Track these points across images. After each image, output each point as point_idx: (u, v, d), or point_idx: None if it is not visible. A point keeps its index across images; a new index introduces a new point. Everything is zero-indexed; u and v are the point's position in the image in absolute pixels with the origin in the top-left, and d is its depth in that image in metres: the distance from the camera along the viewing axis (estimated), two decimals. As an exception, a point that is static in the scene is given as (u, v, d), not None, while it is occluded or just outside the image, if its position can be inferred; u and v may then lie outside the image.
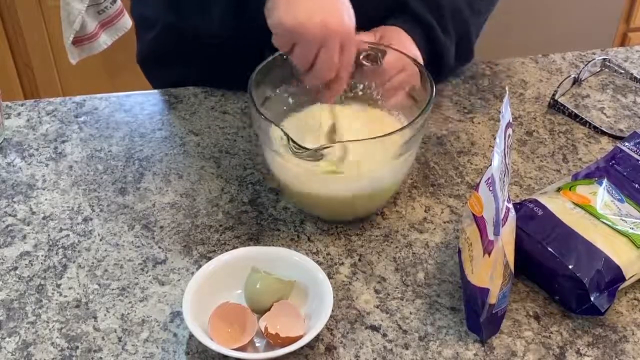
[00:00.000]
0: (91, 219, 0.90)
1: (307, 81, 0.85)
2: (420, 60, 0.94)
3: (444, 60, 1.01)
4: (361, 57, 0.91)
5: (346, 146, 0.80)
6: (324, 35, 0.78)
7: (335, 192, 0.85)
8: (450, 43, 1.00)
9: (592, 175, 0.88)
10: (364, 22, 0.97)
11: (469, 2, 1.03)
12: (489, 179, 0.73)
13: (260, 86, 0.87)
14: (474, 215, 0.75)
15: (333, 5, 0.80)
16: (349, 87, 0.92)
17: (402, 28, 0.97)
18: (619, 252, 0.78)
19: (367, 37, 0.94)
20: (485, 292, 0.72)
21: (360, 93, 0.94)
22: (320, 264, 0.82)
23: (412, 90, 0.90)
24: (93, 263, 0.84)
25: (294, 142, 0.77)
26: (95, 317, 0.79)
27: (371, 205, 0.89)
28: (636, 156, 0.89)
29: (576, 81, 1.12)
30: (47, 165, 0.97)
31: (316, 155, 0.78)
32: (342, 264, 0.84)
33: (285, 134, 0.78)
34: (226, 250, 0.84)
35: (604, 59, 1.16)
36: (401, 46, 0.93)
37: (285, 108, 0.92)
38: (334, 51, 0.79)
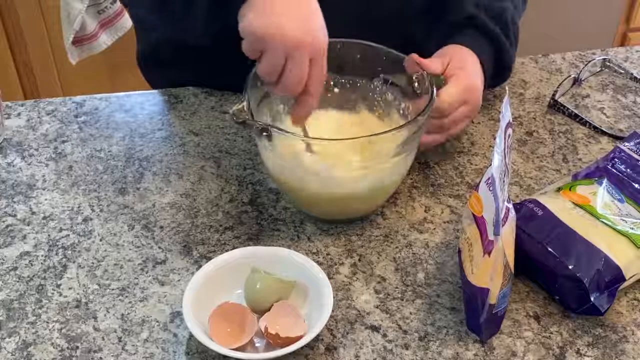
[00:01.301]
0: (91, 219, 0.90)
1: (275, 92, 0.84)
2: (478, 80, 0.94)
3: (507, 69, 1.02)
4: (414, 77, 0.89)
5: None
6: (293, 46, 0.77)
7: (331, 192, 0.84)
8: (513, 51, 1.01)
9: (592, 175, 0.88)
10: (432, 39, 0.97)
11: (515, 6, 1.03)
12: (489, 179, 0.73)
13: (258, 84, 0.87)
14: (474, 215, 0.75)
15: (305, 18, 0.79)
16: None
17: (474, 48, 0.95)
18: (619, 252, 0.78)
19: (437, 63, 0.91)
20: (485, 292, 0.72)
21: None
22: (320, 264, 0.82)
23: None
24: (93, 263, 0.84)
25: (250, 113, 0.79)
26: (95, 317, 0.79)
27: (367, 206, 0.89)
28: (636, 156, 0.89)
29: (576, 81, 1.12)
30: (47, 165, 0.97)
31: (262, 134, 0.79)
32: (342, 264, 0.84)
33: (247, 100, 0.79)
34: (226, 250, 0.84)
35: (604, 59, 1.16)
36: (468, 76, 0.91)
37: (285, 109, 0.92)
38: (302, 64, 0.78)
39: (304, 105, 0.82)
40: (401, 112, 0.92)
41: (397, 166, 0.85)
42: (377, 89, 0.93)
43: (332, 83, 0.92)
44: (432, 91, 0.85)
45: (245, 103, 0.80)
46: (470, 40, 0.96)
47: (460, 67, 0.92)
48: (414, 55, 0.89)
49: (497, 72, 1.00)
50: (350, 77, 0.93)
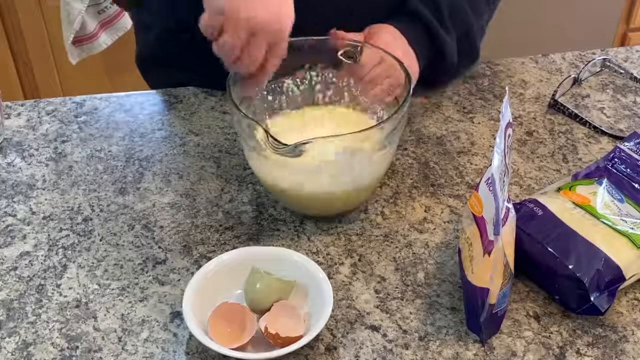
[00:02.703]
0: (91, 219, 0.90)
1: (229, 69, 0.84)
2: (408, 55, 0.95)
3: (446, 56, 1.01)
4: (339, 53, 0.91)
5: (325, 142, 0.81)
6: (253, 28, 0.77)
7: (314, 189, 0.85)
8: (450, 39, 1.00)
9: (592, 175, 0.88)
10: (365, 23, 0.98)
11: (469, 2, 1.03)
12: (489, 179, 0.73)
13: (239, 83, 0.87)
14: (474, 215, 0.75)
15: (276, 3, 0.79)
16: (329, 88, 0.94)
17: (398, 26, 0.97)
18: (619, 252, 0.78)
19: (354, 37, 0.94)
20: (485, 292, 0.72)
21: (345, 94, 0.95)
22: (320, 264, 0.82)
23: (395, 90, 0.91)
24: (93, 263, 0.84)
25: (273, 138, 0.78)
26: (95, 317, 0.79)
27: (351, 202, 0.89)
28: (636, 156, 0.89)
29: (576, 81, 1.12)
30: (47, 165, 0.97)
31: (295, 151, 0.78)
32: (342, 264, 0.84)
33: (265, 130, 0.78)
34: (226, 250, 0.84)
35: (604, 59, 1.16)
36: (381, 42, 0.93)
37: (265, 106, 0.92)
38: (259, 48, 0.79)
39: (257, 80, 0.83)
40: (344, 87, 0.94)
41: (379, 161, 0.85)
42: (306, 80, 0.94)
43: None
44: (409, 84, 0.85)
45: (264, 132, 0.79)
46: (396, 21, 0.98)
47: (374, 33, 0.95)
48: (335, 32, 0.92)
49: (435, 58, 1.00)
50: (274, 80, 0.92)
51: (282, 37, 0.80)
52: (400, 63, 0.88)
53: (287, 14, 0.80)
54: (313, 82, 0.94)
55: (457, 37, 1.02)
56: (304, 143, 0.78)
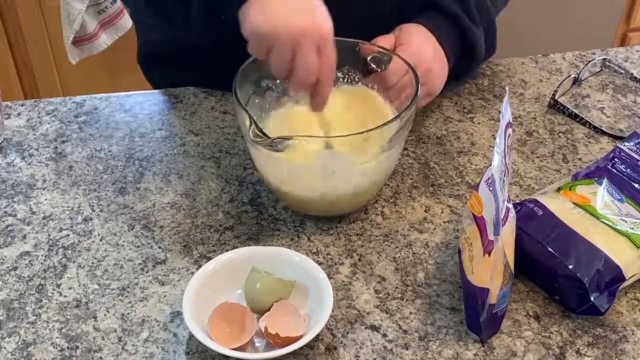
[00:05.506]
0: (91, 219, 0.90)
1: (291, 89, 0.85)
2: (438, 53, 0.95)
3: (476, 50, 1.01)
4: (368, 59, 0.91)
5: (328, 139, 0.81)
6: (296, 38, 0.78)
7: (318, 190, 0.84)
8: (479, 32, 1.00)
9: (592, 175, 0.88)
10: (394, 22, 0.97)
11: None
12: (489, 179, 0.73)
13: (248, 80, 0.87)
14: (474, 215, 0.75)
15: (305, 8, 0.79)
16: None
17: (427, 24, 0.96)
18: (619, 252, 0.78)
19: (386, 40, 0.94)
20: (485, 292, 0.72)
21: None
22: (320, 264, 0.82)
23: (425, 98, 0.92)
24: (93, 263, 0.84)
25: (257, 128, 0.77)
26: (95, 317, 0.79)
27: (354, 204, 0.89)
28: (636, 156, 0.89)
29: (576, 81, 1.12)
30: (47, 165, 0.97)
31: (273, 145, 0.78)
32: (342, 264, 0.84)
33: (251, 118, 0.78)
34: (226, 250, 0.84)
35: (604, 59, 1.16)
36: (412, 46, 0.93)
37: (273, 103, 0.92)
38: (310, 53, 0.79)
39: (319, 95, 0.83)
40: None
41: (385, 161, 0.85)
42: (340, 79, 0.94)
43: None
44: (417, 86, 0.85)
45: (253, 125, 0.79)
46: (425, 19, 0.98)
47: (404, 39, 0.95)
48: (364, 44, 0.92)
49: (464, 52, 1.00)
50: None
51: (326, 40, 0.80)
52: (413, 70, 0.88)
53: (323, 18, 0.80)
54: (339, 83, 0.93)
55: (484, 29, 1.02)
56: (286, 138, 0.78)
